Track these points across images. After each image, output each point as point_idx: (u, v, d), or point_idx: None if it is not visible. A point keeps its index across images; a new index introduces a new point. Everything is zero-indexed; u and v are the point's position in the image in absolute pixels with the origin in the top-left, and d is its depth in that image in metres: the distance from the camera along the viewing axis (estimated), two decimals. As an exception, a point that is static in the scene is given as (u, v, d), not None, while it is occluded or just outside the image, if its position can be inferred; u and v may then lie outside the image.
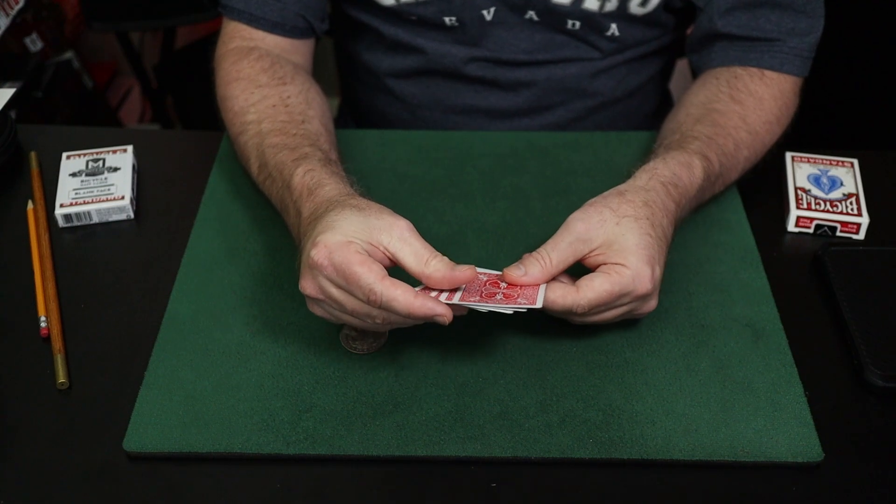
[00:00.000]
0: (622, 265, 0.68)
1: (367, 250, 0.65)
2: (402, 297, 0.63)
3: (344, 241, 0.65)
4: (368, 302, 0.64)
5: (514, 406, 0.69)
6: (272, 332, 0.75)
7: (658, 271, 0.70)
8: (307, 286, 0.67)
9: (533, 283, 0.68)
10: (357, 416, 0.68)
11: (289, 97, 0.87)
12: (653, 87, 1.10)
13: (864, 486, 0.65)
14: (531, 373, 0.72)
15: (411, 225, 0.67)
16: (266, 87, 0.88)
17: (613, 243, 0.69)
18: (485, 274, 0.70)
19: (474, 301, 0.66)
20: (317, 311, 0.69)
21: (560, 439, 0.67)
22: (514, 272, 0.68)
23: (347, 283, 0.64)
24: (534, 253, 0.69)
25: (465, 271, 0.65)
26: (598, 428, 0.68)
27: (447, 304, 0.64)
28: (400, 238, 0.66)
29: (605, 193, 0.73)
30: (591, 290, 0.67)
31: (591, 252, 0.69)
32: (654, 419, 0.68)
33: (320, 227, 0.67)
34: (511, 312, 0.65)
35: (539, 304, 0.66)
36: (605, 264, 0.69)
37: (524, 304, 0.66)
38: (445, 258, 0.66)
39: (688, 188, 0.77)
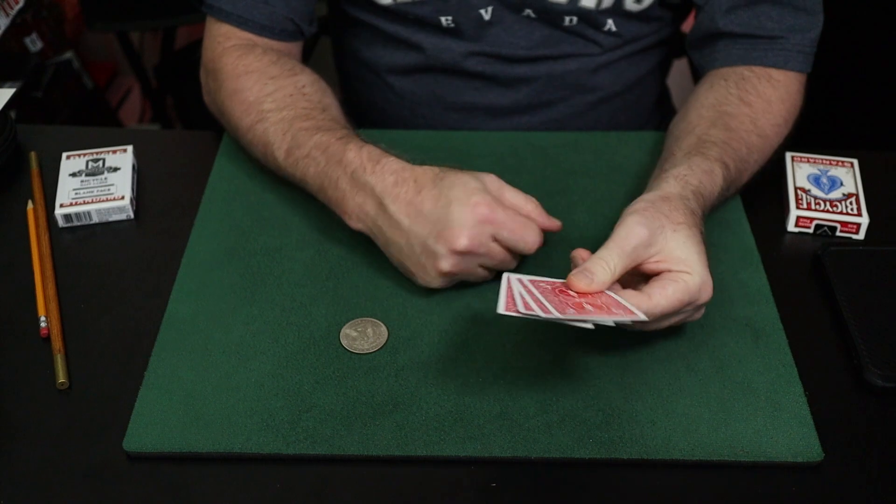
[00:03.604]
0: (687, 273, 0.67)
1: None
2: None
3: (493, 196, 0.73)
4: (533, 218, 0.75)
5: (514, 406, 0.69)
6: (272, 332, 0.75)
7: (710, 277, 0.69)
8: (472, 241, 0.72)
9: (600, 289, 0.66)
10: (357, 416, 0.68)
11: (304, 86, 0.88)
12: (652, 80, 1.10)
13: (864, 486, 0.65)
14: (531, 373, 0.72)
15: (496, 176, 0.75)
16: (279, 77, 0.89)
17: (674, 250, 0.68)
18: (544, 281, 0.68)
19: (573, 314, 0.62)
20: (460, 266, 0.74)
21: (560, 439, 0.67)
22: (582, 281, 0.66)
23: (521, 212, 0.74)
24: (595, 257, 0.67)
25: (555, 221, 0.77)
26: (598, 428, 0.68)
27: (550, 318, 0.62)
28: (499, 186, 0.75)
29: (650, 198, 0.72)
30: (663, 297, 0.66)
31: (649, 258, 0.69)
32: (654, 419, 0.68)
33: (454, 192, 0.72)
34: (613, 324, 0.64)
35: (643, 316, 0.64)
36: (668, 272, 0.68)
37: (623, 314, 0.63)
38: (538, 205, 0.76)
39: (710, 196, 0.77)
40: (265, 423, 0.68)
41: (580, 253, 0.70)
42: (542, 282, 0.68)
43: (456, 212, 0.71)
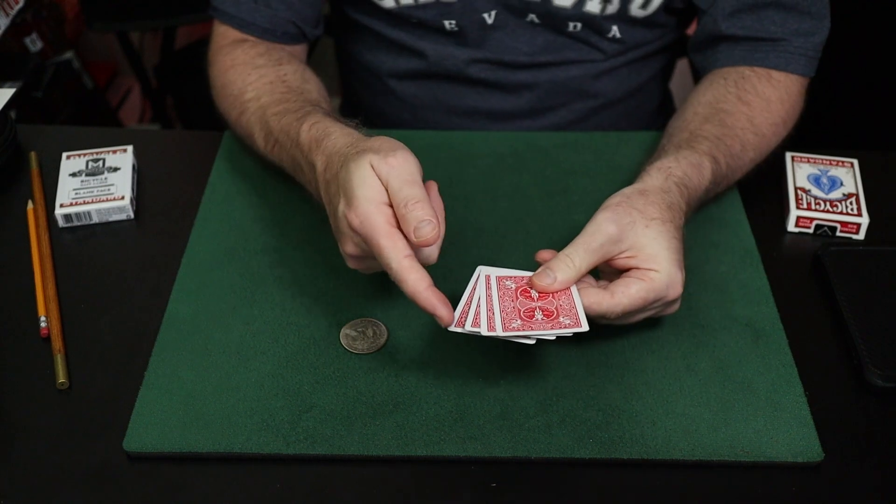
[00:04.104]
0: (655, 270, 0.68)
1: (389, 205, 0.66)
2: (412, 285, 0.64)
3: (372, 209, 0.65)
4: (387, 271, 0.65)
5: (514, 406, 0.69)
6: (272, 332, 0.75)
7: (684, 275, 0.70)
8: (347, 247, 0.69)
9: (563, 288, 0.67)
10: (357, 416, 0.68)
11: (285, 74, 0.88)
12: (655, 86, 1.10)
13: (864, 486, 0.65)
14: (531, 373, 0.72)
15: (412, 168, 0.66)
16: (263, 67, 0.89)
17: (644, 247, 0.68)
18: (511, 279, 0.69)
19: (516, 329, 0.64)
20: (358, 265, 0.71)
21: (560, 439, 0.67)
22: (544, 280, 0.67)
23: (372, 251, 0.66)
24: (561, 255, 0.68)
25: (426, 233, 0.64)
26: (598, 428, 0.68)
27: (492, 335, 0.64)
28: (399, 182, 0.65)
29: (627, 192, 0.72)
30: (626, 296, 0.67)
31: (619, 254, 0.69)
32: (654, 419, 0.68)
33: (347, 191, 0.67)
34: (554, 338, 0.65)
35: (585, 327, 0.65)
36: (636, 269, 0.68)
37: (569, 324, 0.65)
38: (422, 210, 0.64)
39: (696, 189, 0.77)
40: (265, 423, 0.68)
41: (543, 254, 0.71)
42: (510, 278, 0.69)
43: (340, 218, 0.68)
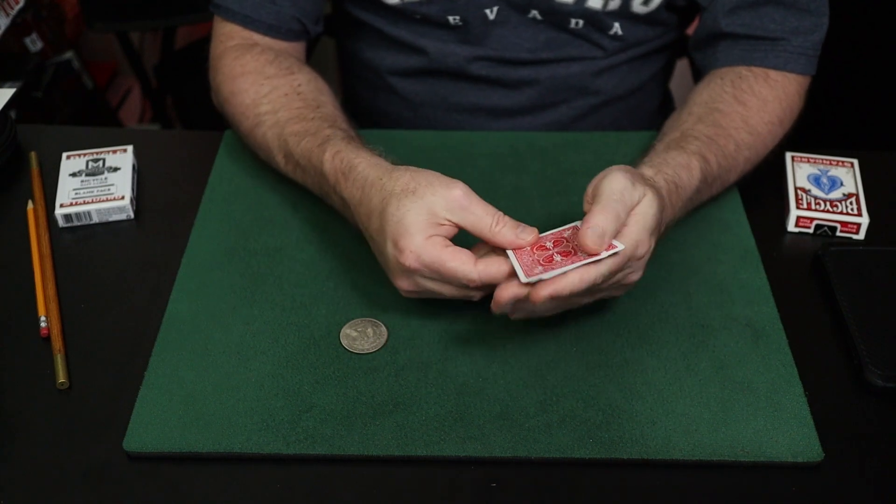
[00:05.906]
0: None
1: (442, 234, 0.69)
2: (499, 273, 0.67)
3: (425, 239, 0.68)
4: (468, 288, 0.69)
5: (514, 406, 0.69)
6: (272, 332, 0.75)
7: (653, 244, 0.70)
8: (404, 285, 0.71)
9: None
10: (357, 416, 0.68)
11: (300, 85, 0.88)
12: (655, 85, 1.10)
13: (864, 486, 0.65)
14: (531, 373, 0.72)
15: (466, 189, 0.69)
16: (275, 77, 0.89)
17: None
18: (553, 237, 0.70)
19: (539, 272, 0.66)
20: (413, 294, 0.72)
21: (560, 439, 0.67)
22: (594, 241, 0.65)
23: (443, 277, 0.68)
24: (597, 219, 0.66)
25: (528, 234, 0.68)
26: (598, 428, 0.68)
27: (529, 280, 0.66)
28: (460, 208, 0.68)
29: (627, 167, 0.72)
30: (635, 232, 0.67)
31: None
32: (654, 419, 0.68)
33: (392, 228, 0.69)
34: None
35: (621, 246, 0.66)
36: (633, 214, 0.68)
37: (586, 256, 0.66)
38: (508, 220, 0.69)
39: (685, 190, 0.77)
40: (265, 423, 0.68)
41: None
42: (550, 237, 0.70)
43: (390, 256, 0.69)
